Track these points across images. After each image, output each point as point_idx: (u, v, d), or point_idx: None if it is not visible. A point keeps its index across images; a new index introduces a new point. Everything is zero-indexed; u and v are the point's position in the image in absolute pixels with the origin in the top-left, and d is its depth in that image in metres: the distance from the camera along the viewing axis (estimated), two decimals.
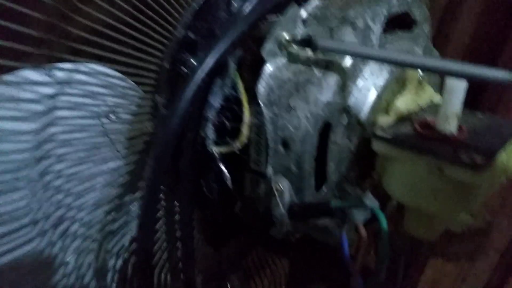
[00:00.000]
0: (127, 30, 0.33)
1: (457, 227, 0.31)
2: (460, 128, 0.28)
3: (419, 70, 0.32)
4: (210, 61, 0.28)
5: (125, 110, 0.37)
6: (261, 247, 0.42)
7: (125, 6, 0.33)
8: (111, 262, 0.38)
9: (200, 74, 0.28)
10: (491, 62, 0.63)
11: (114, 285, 0.39)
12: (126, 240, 0.37)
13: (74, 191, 0.32)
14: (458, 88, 0.27)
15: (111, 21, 0.32)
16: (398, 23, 0.33)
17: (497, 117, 0.31)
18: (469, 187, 0.26)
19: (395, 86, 0.32)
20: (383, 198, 0.32)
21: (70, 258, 0.35)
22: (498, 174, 0.28)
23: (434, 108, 0.33)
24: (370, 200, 0.25)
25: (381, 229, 0.24)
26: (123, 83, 0.37)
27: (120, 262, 0.38)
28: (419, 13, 0.35)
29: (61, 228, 0.33)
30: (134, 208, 0.36)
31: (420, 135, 0.28)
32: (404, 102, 0.31)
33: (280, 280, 0.46)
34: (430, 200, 0.27)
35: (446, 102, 0.28)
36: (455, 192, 0.26)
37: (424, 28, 0.36)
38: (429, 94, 0.34)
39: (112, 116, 0.36)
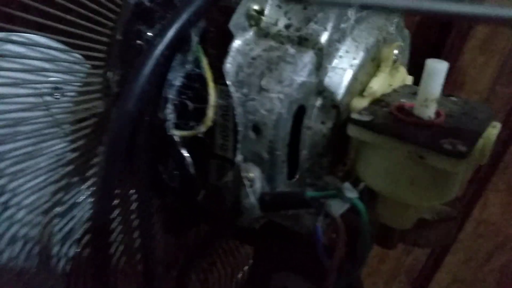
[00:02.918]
0: None
1: (429, 214, 0.31)
2: (438, 113, 0.27)
3: (395, 50, 0.30)
4: (170, 33, 0.25)
5: (71, 87, 0.33)
6: (224, 235, 0.39)
7: None
8: (55, 249, 0.35)
9: (160, 47, 0.24)
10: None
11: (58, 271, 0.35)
12: (72, 224, 0.33)
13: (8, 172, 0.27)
14: (439, 70, 0.26)
15: None
16: None
17: (471, 100, 0.30)
18: (448, 174, 0.25)
19: (370, 66, 0.30)
20: (355, 185, 0.31)
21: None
22: (475, 160, 0.27)
23: (407, 90, 0.32)
24: (350, 190, 0.24)
25: (362, 223, 0.23)
26: (67, 57, 0.33)
27: (65, 248, 0.35)
28: None
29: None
30: (82, 191, 0.33)
31: (397, 120, 0.26)
32: (378, 84, 0.30)
33: (243, 268, 0.44)
34: (407, 188, 0.26)
35: (426, 84, 0.26)
36: (434, 180, 0.25)
37: None
38: (403, 76, 0.33)
39: (57, 94, 0.31)
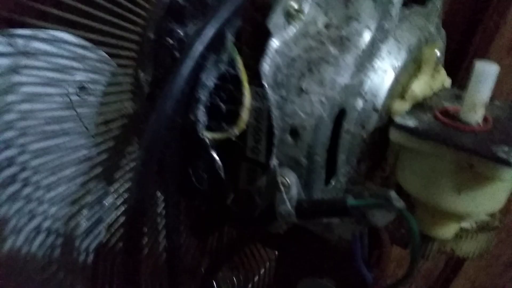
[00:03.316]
0: None
1: (468, 223, 0.30)
2: (485, 118, 0.26)
3: (437, 50, 0.29)
4: (209, 32, 0.23)
5: (99, 86, 0.32)
6: (253, 241, 0.38)
7: None
8: (81, 258, 0.34)
9: (198, 47, 0.23)
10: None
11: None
12: (99, 236, 0.33)
13: (43, 184, 0.27)
14: (489, 72, 0.24)
15: None
16: None
17: None
18: (498, 183, 0.24)
19: (411, 68, 0.28)
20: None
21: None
22: None
23: (448, 93, 0.30)
24: (397, 200, 0.22)
25: (412, 235, 0.21)
26: (94, 55, 0.32)
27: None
28: None
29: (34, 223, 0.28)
30: (110, 201, 0.32)
31: (444, 125, 0.25)
32: (420, 86, 0.28)
33: (260, 271, 0.43)
34: (453, 197, 0.25)
35: (474, 88, 0.25)
36: (483, 189, 0.24)
37: (437, 3, 0.32)
38: (443, 78, 0.31)
39: (84, 95, 0.30)
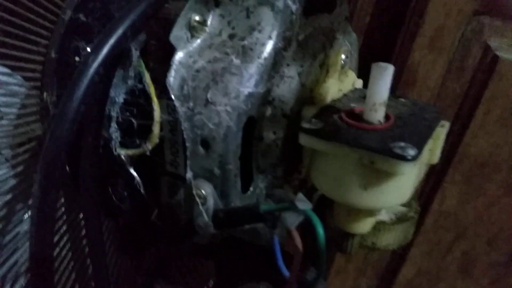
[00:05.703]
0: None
1: (387, 216, 0.31)
2: (387, 116, 0.27)
3: (343, 54, 0.30)
4: (104, 49, 0.23)
5: (13, 109, 0.30)
6: (182, 254, 0.38)
7: None
8: None
9: (93, 65, 0.23)
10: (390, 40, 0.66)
11: None
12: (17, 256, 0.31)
13: None
14: (385, 73, 0.26)
15: None
16: (318, 4, 0.31)
17: (419, 101, 0.31)
18: (400, 178, 0.25)
19: (318, 72, 0.29)
20: (311, 192, 0.30)
21: None
22: (427, 160, 0.27)
23: (357, 94, 0.32)
24: (302, 202, 0.23)
25: (317, 234, 0.22)
26: (11, 79, 0.30)
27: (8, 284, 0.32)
28: None
29: None
30: (24, 228, 0.30)
31: (348, 126, 0.26)
32: (327, 90, 0.29)
33: (207, 282, 0.43)
34: (360, 193, 0.26)
35: (373, 89, 0.26)
36: (387, 184, 0.25)
37: (343, 10, 0.34)
38: (352, 79, 0.32)
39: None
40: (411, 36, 0.67)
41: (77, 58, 0.29)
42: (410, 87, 0.71)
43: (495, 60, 0.61)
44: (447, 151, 0.73)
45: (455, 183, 0.78)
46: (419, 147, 0.24)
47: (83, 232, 0.33)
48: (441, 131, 0.28)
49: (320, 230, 0.22)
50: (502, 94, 0.63)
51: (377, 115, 0.26)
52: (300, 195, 0.23)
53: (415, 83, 0.71)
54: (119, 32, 0.23)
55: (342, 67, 0.30)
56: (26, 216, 0.30)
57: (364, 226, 0.29)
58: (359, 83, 0.34)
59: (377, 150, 0.24)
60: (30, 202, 0.30)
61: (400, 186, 0.26)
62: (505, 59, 0.60)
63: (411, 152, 0.23)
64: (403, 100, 0.31)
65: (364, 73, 0.36)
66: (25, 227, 0.30)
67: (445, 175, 0.78)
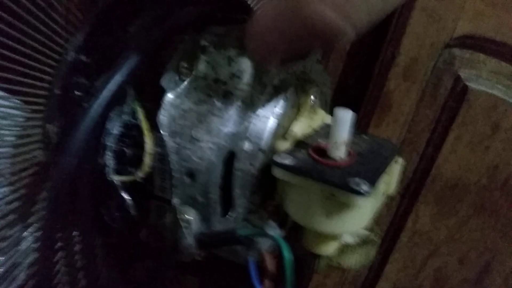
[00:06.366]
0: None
1: (352, 239, 0.35)
2: (349, 153, 0.31)
3: (312, 96, 0.34)
4: (106, 94, 0.27)
5: (11, 132, 0.34)
6: (168, 270, 0.41)
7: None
8: None
9: (97, 109, 0.26)
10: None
11: None
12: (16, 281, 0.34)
13: None
14: (345, 118, 0.30)
15: None
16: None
17: (377, 138, 0.35)
18: (357, 208, 0.29)
19: (290, 112, 0.34)
20: (286, 216, 0.34)
21: None
22: (382, 193, 0.31)
23: (326, 129, 0.36)
24: (272, 228, 0.27)
25: (283, 257, 0.26)
26: (6, 102, 0.34)
27: None
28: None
29: None
30: (26, 245, 0.33)
31: (314, 161, 0.30)
32: (299, 127, 0.34)
33: None
34: (323, 221, 0.30)
35: (335, 130, 0.30)
36: (347, 213, 0.29)
37: (315, 55, 0.38)
38: (322, 116, 0.37)
39: None
40: (387, 66, 0.72)
41: (78, 93, 0.33)
42: (386, 112, 0.76)
43: (464, 89, 0.66)
44: (420, 173, 0.78)
45: (428, 203, 0.83)
46: (372, 182, 0.28)
47: (76, 247, 0.36)
48: (395, 167, 0.32)
49: (286, 254, 0.26)
50: (471, 121, 0.69)
51: (339, 153, 0.30)
52: (271, 222, 0.27)
53: (390, 109, 0.76)
54: (118, 79, 0.27)
55: (311, 106, 0.34)
56: (27, 234, 0.33)
57: (329, 248, 0.33)
58: (328, 119, 0.38)
59: (337, 185, 0.28)
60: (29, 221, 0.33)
61: (358, 215, 0.30)
62: (473, 89, 0.65)
63: (365, 187, 0.27)
64: (364, 136, 0.35)
65: (341, 101, 0.40)
66: (26, 244, 0.33)
67: (419, 196, 0.83)
